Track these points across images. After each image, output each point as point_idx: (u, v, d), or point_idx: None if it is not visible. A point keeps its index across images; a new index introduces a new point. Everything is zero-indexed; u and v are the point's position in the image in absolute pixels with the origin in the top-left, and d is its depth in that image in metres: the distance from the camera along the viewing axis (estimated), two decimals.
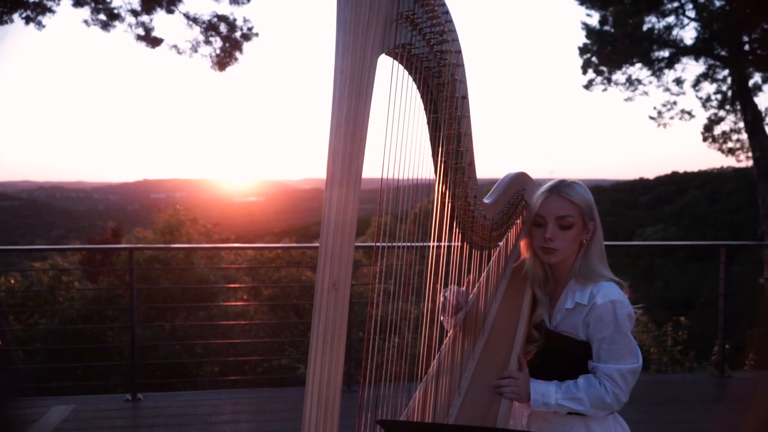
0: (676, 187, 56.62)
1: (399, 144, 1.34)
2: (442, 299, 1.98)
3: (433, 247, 1.71)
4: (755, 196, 10.62)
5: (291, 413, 4.44)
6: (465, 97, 1.72)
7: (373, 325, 1.39)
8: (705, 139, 11.82)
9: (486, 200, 2.00)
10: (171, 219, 13.11)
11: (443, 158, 1.75)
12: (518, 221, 2.30)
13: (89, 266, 14.01)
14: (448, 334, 2.04)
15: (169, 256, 11.34)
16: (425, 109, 1.66)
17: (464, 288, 2.03)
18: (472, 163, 1.83)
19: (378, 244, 1.47)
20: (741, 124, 11.28)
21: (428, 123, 1.69)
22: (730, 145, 11.74)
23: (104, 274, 12.65)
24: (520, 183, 2.17)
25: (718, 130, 11.75)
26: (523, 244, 2.02)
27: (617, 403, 1.73)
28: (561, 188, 1.83)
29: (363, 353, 1.43)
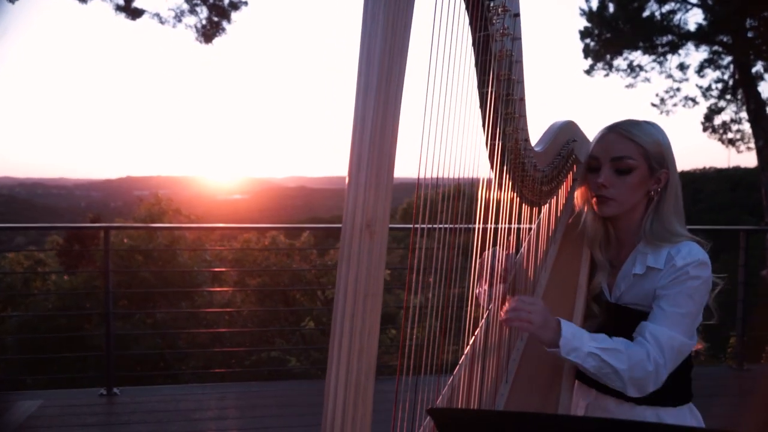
0: None
1: (444, 75, 1.04)
2: (483, 262, 1.62)
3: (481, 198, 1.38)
4: (735, 198, 10.50)
5: (281, 409, 4.08)
6: (518, 15, 1.38)
7: (411, 309, 1.14)
8: (705, 129, 11.68)
9: (536, 149, 1.66)
10: (152, 208, 12.60)
11: (493, 87, 1.40)
12: (568, 178, 1.95)
13: (66, 257, 13.50)
14: (487, 310, 1.69)
15: (151, 247, 10.89)
16: (471, 26, 1.32)
17: (512, 251, 1.67)
18: (524, 99, 1.49)
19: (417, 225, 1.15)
20: (742, 114, 11.14)
21: (474, 44, 1.35)
22: (730, 135, 11.59)
23: (83, 266, 12.17)
24: (570, 133, 1.83)
25: (718, 120, 11.62)
26: (578, 195, 1.66)
27: (655, 377, 1.34)
28: (622, 125, 1.49)
29: (400, 340, 1.11)
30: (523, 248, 1.77)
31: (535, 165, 1.61)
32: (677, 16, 10.32)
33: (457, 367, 1.49)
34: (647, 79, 11.28)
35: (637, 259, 1.47)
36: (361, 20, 0.93)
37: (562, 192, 1.93)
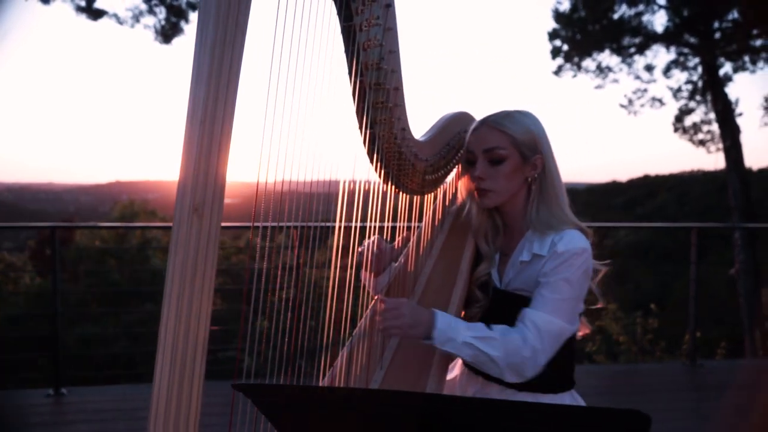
0: (648, 189, 57.11)
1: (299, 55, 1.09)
2: (360, 251, 1.64)
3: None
4: (722, 199, 10.54)
5: (227, 407, 4.04)
6: (390, 6, 1.39)
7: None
8: (676, 130, 11.77)
9: (420, 138, 1.67)
10: (125, 210, 12.58)
11: (359, 76, 1.42)
12: (458, 168, 1.97)
13: (39, 262, 13.40)
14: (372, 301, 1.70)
15: (123, 249, 10.84)
16: (339, 15, 1.34)
17: (394, 241, 1.69)
18: (399, 89, 1.49)
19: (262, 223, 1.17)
20: (711, 115, 11.24)
21: (342, 32, 1.37)
22: (700, 136, 11.69)
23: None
24: (461, 123, 1.83)
25: (688, 121, 11.72)
26: (461, 188, 1.71)
27: (533, 362, 1.34)
28: (491, 117, 1.53)
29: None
30: (401, 239, 1.79)
31: (416, 154, 1.62)
32: (645, 17, 10.42)
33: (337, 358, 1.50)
34: (616, 80, 11.43)
35: (524, 246, 1.50)
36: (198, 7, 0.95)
37: (453, 181, 1.94)
